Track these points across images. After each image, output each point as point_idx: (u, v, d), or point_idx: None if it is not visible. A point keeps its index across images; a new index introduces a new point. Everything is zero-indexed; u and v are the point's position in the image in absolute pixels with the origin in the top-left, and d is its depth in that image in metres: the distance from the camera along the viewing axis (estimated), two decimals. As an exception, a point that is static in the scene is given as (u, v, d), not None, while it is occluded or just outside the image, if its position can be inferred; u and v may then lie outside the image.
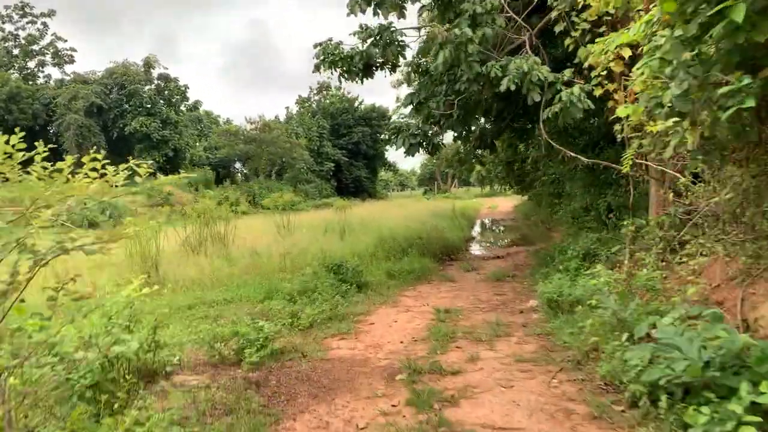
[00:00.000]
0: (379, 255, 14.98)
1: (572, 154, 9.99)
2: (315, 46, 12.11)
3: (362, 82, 12.17)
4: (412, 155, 11.76)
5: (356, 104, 69.25)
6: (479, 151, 31.48)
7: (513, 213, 39.08)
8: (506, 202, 50.73)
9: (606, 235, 11.83)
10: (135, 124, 54.67)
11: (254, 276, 12.84)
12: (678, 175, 9.13)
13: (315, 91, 70.46)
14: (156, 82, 59.91)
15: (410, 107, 12.37)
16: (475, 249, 20.74)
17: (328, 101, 68.71)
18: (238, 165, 66.47)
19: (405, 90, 58.70)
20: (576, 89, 9.10)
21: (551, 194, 27.59)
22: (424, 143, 11.43)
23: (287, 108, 67.02)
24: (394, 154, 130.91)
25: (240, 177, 63.19)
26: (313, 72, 12.04)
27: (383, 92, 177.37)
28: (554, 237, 22.65)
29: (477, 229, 29.18)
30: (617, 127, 10.05)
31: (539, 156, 24.77)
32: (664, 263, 8.95)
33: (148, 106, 57.46)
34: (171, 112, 58.36)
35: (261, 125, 56.39)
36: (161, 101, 59.15)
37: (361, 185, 68.47)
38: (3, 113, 52.21)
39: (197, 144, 67.96)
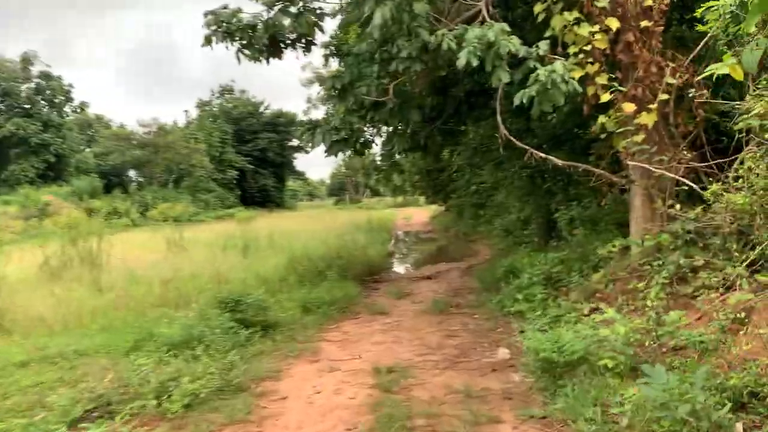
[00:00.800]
0: (291, 280, 12.25)
1: (542, 155, 7.71)
2: (205, 14, 9.26)
3: (268, 62, 9.44)
4: (335, 155, 9.17)
5: (261, 109, 65.59)
6: (399, 156, 29.24)
7: (430, 224, 37.25)
8: (421, 213, 49.04)
9: (569, 255, 9.68)
10: (10, 127, 48.45)
11: (126, 312, 9.76)
12: (685, 180, 7.06)
13: (217, 94, 66.09)
14: (36, 80, 53.67)
15: (328, 104, 9.79)
16: (399, 266, 18.35)
17: (230, 105, 64.48)
18: (132, 173, 61.09)
19: (316, 90, 55.58)
20: (558, 66, 6.83)
21: (475, 205, 25.75)
22: (351, 140, 8.86)
23: (186, 111, 62.00)
24: (303, 162, 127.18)
25: (134, 186, 57.72)
26: (202, 46, 9.16)
27: (292, 98, 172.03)
28: (481, 252, 20.67)
29: (396, 242, 26.85)
30: (601, 119, 7.90)
31: (465, 163, 22.84)
32: (670, 296, 6.83)
33: (26, 106, 51.31)
34: (53, 114, 52.46)
35: (156, 129, 51.70)
36: (42, 102, 53.05)
37: (268, 195, 64.74)
38: None
39: (86, 150, 61.88)
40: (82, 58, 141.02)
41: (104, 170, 56.51)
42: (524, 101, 6.91)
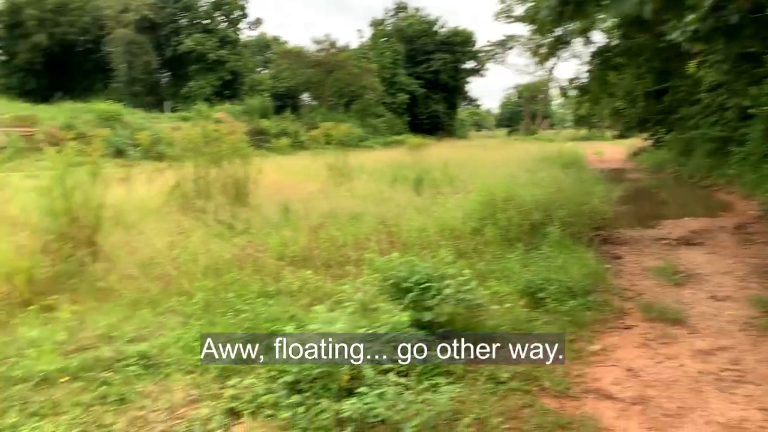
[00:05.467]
0: (488, 235, 8.22)
1: None
2: None
3: None
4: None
5: (436, 27, 60.54)
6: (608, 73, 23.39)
7: (631, 163, 30.99)
8: (612, 149, 42.12)
9: None
10: (190, 42, 48.61)
11: (247, 276, 6.37)
12: None
13: (391, 13, 61.96)
14: (211, -7, 53.10)
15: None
16: (623, 219, 13.47)
17: (404, 23, 60.10)
18: (305, 96, 60.05)
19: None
20: None
21: (714, 139, 19.63)
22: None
23: (359, 31, 58.72)
24: (476, 88, 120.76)
25: (306, 108, 56.47)
26: None
27: (467, 16, 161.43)
28: (735, 204, 15.07)
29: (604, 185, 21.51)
30: None
31: (719, 81, 16.89)
32: None
33: (206, 21, 51.18)
34: (229, 30, 51.94)
35: (328, 45, 49.15)
36: (220, 17, 52.68)
37: (439, 122, 60.33)
38: (51, 25, 47.03)
39: (263, 72, 61.53)
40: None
41: (279, 92, 55.82)
42: None
